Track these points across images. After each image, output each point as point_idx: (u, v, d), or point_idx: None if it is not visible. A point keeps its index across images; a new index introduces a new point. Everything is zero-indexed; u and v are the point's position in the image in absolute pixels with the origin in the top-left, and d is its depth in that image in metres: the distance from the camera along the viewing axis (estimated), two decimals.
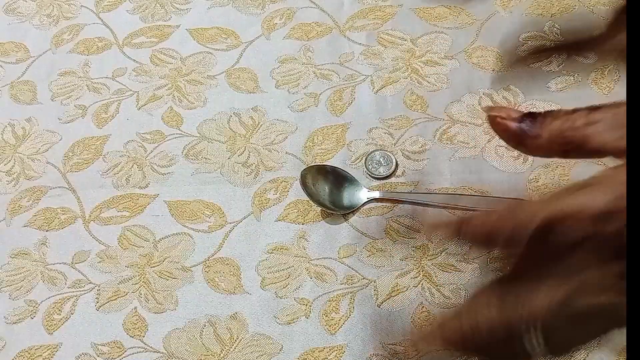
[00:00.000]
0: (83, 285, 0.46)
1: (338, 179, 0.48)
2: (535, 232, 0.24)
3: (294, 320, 0.43)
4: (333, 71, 0.55)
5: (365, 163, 0.49)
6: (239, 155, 0.51)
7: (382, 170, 0.48)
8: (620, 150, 0.26)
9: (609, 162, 0.26)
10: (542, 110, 0.29)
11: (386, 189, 0.48)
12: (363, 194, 0.47)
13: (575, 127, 0.27)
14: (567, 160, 0.47)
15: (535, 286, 0.25)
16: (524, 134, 0.29)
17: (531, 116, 0.29)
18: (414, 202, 0.46)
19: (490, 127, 0.30)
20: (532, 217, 0.25)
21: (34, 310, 0.45)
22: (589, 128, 0.27)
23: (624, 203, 0.23)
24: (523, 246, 0.25)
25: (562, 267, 0.25)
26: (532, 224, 0.24)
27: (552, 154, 0.28)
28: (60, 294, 0.46)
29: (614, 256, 0.24)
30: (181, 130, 0.53)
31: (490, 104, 0.51)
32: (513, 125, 0.29)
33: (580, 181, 0.25)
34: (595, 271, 0.24)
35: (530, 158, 0.48)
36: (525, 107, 0.50)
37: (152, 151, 0.52)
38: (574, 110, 0.28)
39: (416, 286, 0.43)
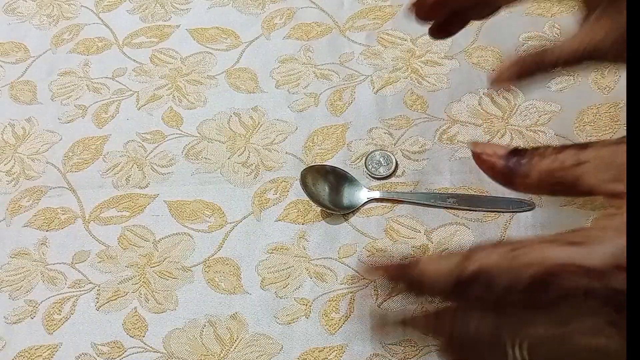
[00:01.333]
0: (83, 285, 0.46)
1: (338, 179, 0.48)
2: (529, 284, 0.24)
3: (294, 320, 0.43)
4: (333, 71, 0.55)
5: (365, 163, 0.49)
6: (239, 155, 0.51)
7: (382, 170, 0.48)
8: (611, 193, 0.25)
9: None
10: (527, 146, 0.28)
11: (386, 189, 0.48)
12: (363, 194, 0.47)
13: (565, 167, 0.26)
14: None
15: (532, 319, 0.25)
16: (512, 173, 0.28)
17: (517, 153, 0.28)
18: (414, 202, 0.46)
19: (475, 163, 0.29)
20: (526, 268, 0.24)
21: (34, 310, 0.45)
22: (579, 168, 0.26)
23: (620, 261, 0.23)
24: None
25: (555, 314, 0.25)
26: (524, 277, 0.24)
27: (541, 192, 0.28)
28: (60, 294, 0.46)
29: (608, 307, 0.24)
30: (181, 130, 0.53)
31: (490, 104, 0.51)
32: (500, 163, 0.28)
33: (569, 233, 0.25)
34: (589, 318, 0.24)
35: None
36: (526, 107, 0.50)
37: (152, 151, 0.52)
38: (562, 148, 0.27)
39: None
